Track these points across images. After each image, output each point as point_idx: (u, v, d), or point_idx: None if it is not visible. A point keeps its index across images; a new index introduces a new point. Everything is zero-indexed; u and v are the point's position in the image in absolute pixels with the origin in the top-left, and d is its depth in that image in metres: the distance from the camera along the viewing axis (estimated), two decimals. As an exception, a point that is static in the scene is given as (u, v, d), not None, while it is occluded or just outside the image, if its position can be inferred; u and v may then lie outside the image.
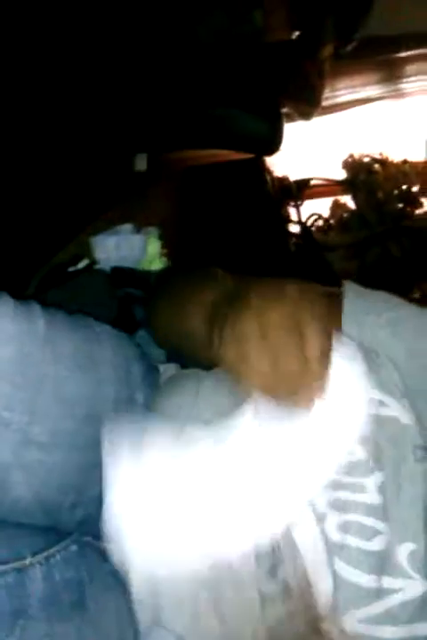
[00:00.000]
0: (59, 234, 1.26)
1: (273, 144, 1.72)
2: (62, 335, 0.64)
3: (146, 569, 0.62)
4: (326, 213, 1.94)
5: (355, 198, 1.91)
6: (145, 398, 0.71)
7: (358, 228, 1.85)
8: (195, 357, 0.72)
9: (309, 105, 1.93)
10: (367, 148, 1.97)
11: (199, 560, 0.53)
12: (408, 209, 1.83)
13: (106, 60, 1.40)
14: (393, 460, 0.56)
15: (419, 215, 1.86)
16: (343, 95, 2.07)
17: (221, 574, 0.56)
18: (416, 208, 1.85)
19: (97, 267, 1.13)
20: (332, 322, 0.66)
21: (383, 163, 1.91)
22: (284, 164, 1.95)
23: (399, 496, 0.55)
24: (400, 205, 1.84)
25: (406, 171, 1.86)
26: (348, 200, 1.96)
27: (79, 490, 0.63)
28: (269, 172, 1.81)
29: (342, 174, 1.98)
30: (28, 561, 0.59)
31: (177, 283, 0.79)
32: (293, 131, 1.86)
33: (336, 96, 2.05)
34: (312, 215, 1.87)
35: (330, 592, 0.55)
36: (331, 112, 2.06)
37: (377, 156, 1.93)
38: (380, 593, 0.55)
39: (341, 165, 1.97)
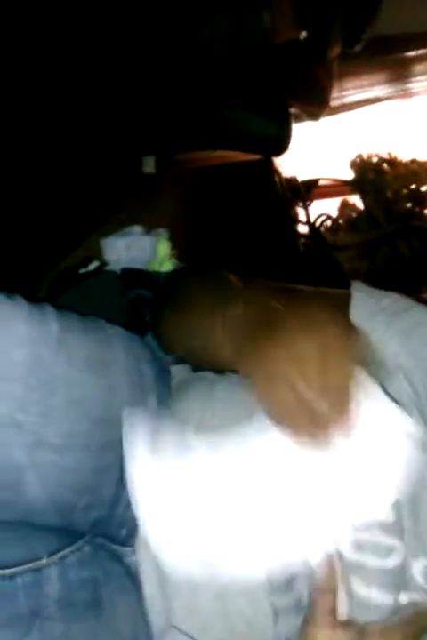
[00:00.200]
0: (69, 236, 1.27)
1: (281, 145, 1.72)
2: (75, 337, 0.64)
3: (159, 572, 0.62)
4: (334, 213, 1.94)
5: (363, 198, 1.91)
6: (157, 400, 0.71)
7: (366, 228, 1.84)
8: (202, 366, 0.72)
9: (317, 105, 1.93)
10: (376, 148, 1.97)
11: (213, 572, 0.53)
12: (417, 208, 1.82)
13: (114, 64, 1.41)
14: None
15: (428, 214, 1.85)
16: (351, 95, 2.07)
17: (233, 586, 0.56)
18: (425, 207, 1.84)
19: (107, 268, 1.14)
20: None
21: (392, 162, 1.90)
22: (292, 164, 1.95)
23: (414, 512, 0.55)
24: (409, 205, 1.83)
25: (415, 170, 1.85)
26: (356, 200, 1.96)
27: (93, 491, 0.63)
28: (278, 173, 1.81)
29: (350, 174, 1.97)
30: (44, 561, 0.59)
31: (186, 291, 0.75)
32: (301, 131, 1.86)
33: (344, 96, 2.05)
34: (321, 215, 1.87)
35: (345, 609, 0.55)
36: (339, 112, 2.06)
37: (386, 156, 1.93)
38: (396, 609, 0.54)
39: (349, 165, 1.97)
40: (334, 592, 0.55)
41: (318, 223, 1.85)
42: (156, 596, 0.62)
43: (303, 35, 1.85)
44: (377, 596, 0.55)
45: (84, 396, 0.63)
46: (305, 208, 1.87)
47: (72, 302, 0.95)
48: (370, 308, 0.65)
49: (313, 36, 1.84)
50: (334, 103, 1.95)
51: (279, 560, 0.52)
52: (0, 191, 1.14)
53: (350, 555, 0.56)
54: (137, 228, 1.26)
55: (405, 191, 1.83)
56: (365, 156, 1.94)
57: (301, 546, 0.52)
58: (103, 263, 1.15)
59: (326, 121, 1.96)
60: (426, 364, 0.61)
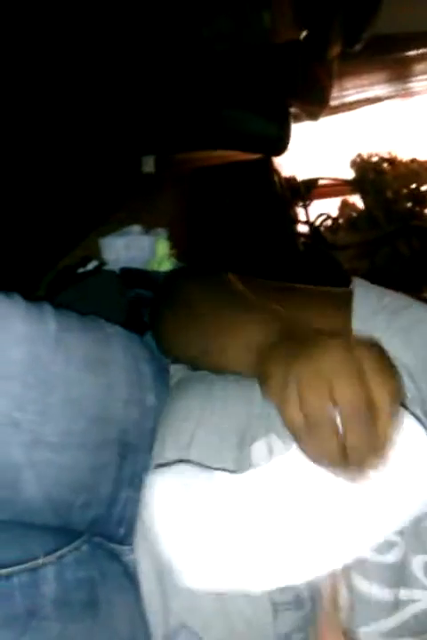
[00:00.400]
0: (68, 236, 1.27)
1: (281, 144, 1.72)
2: (73, 336, 0.64)
3: (157, 572, 0.62)
4: (334, 213, 1.94)
5: (364, 198, 1.91)
6: (156, 400, 0.71)
7: (367, 227, 1.84)
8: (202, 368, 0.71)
9: (317, 105, 1.93)
10: (376, 148, 1.97)
11: (215, 581, 0.53)
12: (417, 208, 1.83)
13: (115, 63, 1.41)
14: None
15: (428, 214, 1.85)
16: (351, 94, 2.07)
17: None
18: (425, 207, 1.84)
19: (106, 268, 1.13)
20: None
21: (392, 162, 1.90)
22: (292, 164, 1.95)
23: None
24: (409, 204, 1.83)
25: (415, 169, 1.85)
26: (357, 200, 1.96)
27: (90, 490, 0.63)
28: (278, 173, 1.81)
29: (350, 174, 1.98)
30: (40, 561, 0.59)
31: (187, 294, 0.72)
32: (301, 131, 1.86)
33: (344, 95, 2.05)
34: (321, 215, 1.87)
35: (346, 606, 0.55)
36: (339, 112, 2.06)
37: (386, 156, 1.93)
38: (397, 605, 0.54)
39: (349, 165, 1.97)
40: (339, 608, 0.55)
41: (317, 223, 1.86)
42: (154, 595, 0.62)
43: (303, 34, 1.85)
44: (378, 592, 0.55)
45: (82, 395, 0.62)
46: (305, 208, 1.88)
47: (71, 301, 0.95)
48: (371, 307, 0.65)
49: (313, 35, 1.84)
50: (333, 103, 1.96)
51: (293, 577, 0.52)
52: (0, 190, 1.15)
53: None
54: (136, 228, 1.26)
55: (405, 191, 1.83)
56: (365, 156, 1.95)
57: (316, 564, 0.51)
58: (102, 263, 1.15)
59: (325, 120, 1.96)
60: (426, 363, 0.62)
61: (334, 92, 1.93)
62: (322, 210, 1.91)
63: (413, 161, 1.91)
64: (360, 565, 0.55)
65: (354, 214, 1.91)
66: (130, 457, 0.66)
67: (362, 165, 1.92)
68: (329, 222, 1.88)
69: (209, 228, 1.56)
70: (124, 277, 1.08)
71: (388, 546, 0.55)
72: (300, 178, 1.94)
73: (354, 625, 0.55)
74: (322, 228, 1.86)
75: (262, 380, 0.53)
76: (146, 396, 0.70)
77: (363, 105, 2.08)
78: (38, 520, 0.61)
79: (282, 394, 0.48)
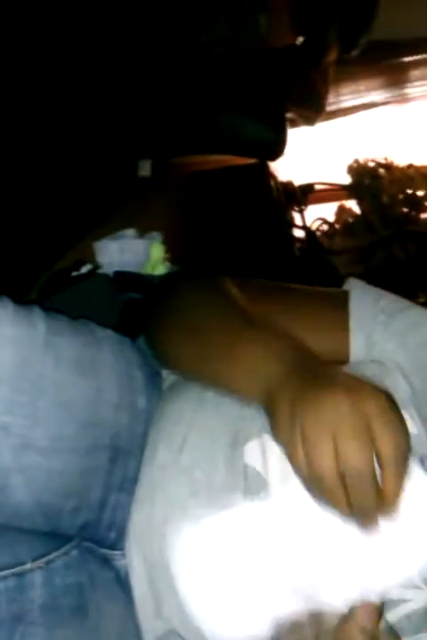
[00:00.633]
0: (62, 238, 1.27)
1: (277, 149, 1.72)
2: (63, 339, 0.64)
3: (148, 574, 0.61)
4: (331, 218, 1.94)
5: (360, 203, 1.91)
6: (147, 404, 0.71)
7: (363, 232, 1.85)
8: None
9: (313, 110, 1.93)
10: (372, 153, 1.97)
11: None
12: (413, 213, 1.83)
13: (110, 66, 1.41)
14: None
15: (424, 219, 1.85)
16: (348, 100, 2.07)
17: None
18: (421, 212, 1.85)
19: (100, 271, 1.13)
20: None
21: (388, 167, 1.91)
22: (288, 169, 1.95)
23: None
24: (405, 210, 1.84)
25: (411, 175, 1.86)
26: (353, 205, 1.97)
27: (80, 495, 0.62)
28: (274, 178, 1.82)
29: (346, 179, 1.98)
30: (28, 566, 0.58)
31: (185, 303, 0.71)
32: (297, 136, 1.86)
33: (341, 101, 2.06)
34: (317, 220, 1.88)
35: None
36: (335, 117, 2.07)
37: (382, 161, 1.94)
38: (390, 605, 0.54)
39: (345, 170, 1.97)
40: None
41: (314, 228, 1.86)
42: (146, 599, 0.61)
43: (300, 40, 1.85)
44: None
45: (72, 399, 0.62)
46: (301, 212, 1.88)
47: (64, 305, 0.95)
48: (369, 309, 0.66)
49: (309, 40, 1.84)
50: (330, 108, 1.96)
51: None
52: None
53: None
54: (130, 231, 1.26)
55: (401, 196, 1.84)
56: (361, 161, 1.95)
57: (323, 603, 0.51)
58: (96, 266, 1.15)
59: (322, 126, 1.96)
60: (422, 365, 0.62)
61: (331, 98, 1.94)
62: (318, 215, 1.91)
63: (409, 166, 1.91)
64: None
65: (350, 219, 1.91)
66: (120, 461, 0.66)
67: (358, 170, 1.93)
68: (325, 227, 1.88)
69: (204, 233, 1.56)
70: (117, 281, 1.08)
71: None
72: (296, 183, 1.94)
73: None
74: (318, 233, 1.87)
75: (269, 414, 0.53)
76: (137, 399, 0.69)
77: (359, 110, 2.08)
78: (27, 525, 0.61)
79: (289, 436, 0.49)
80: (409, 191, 1.85)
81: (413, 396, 0.61)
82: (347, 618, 0.48)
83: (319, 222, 1.87)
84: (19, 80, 1.22)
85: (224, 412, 0.63)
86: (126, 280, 1.07)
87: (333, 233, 1.88)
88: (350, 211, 1.95)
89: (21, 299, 0.63)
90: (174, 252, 1.30)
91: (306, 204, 1.89)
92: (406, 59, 2.01)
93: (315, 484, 0.47)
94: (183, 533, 0.54)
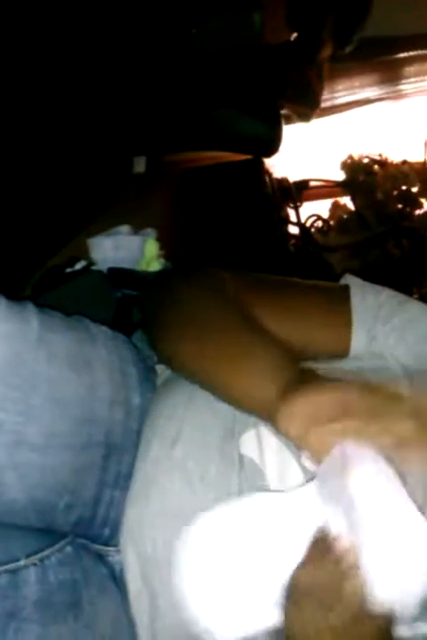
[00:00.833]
0: (57, 235, 1.26)
1: (272, 145, 1.72)
2: (57, 336, 0.64)
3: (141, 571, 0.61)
4: (325, 215, 1.94)
5: (354, 199, 1.91)
6: (141, 400, 0.71)
7: (357, 229, 1.85)
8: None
9: (308, 106, 1.93)
10: (367, 149, 1.97)
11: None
12: (408, 209, 1.83)
13: (105, 63, 1.40)
14: None
15: (418, 216, 1.86)
16: (342, 96, 2.07)
17: None
18: (416, 209, 1.85)
19: (94, 268, 1.13)
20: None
21: (383, 164, 1.91)
22: (283, 165, 1.95)
23: None
24: (400, 206, 1.84)
25: (406, 171, 1.86)
26: (347, 201, 1.97)
27: (74, 491, 0.62)
28: (269, 174, 1.81)
29: (341, 175, 1.98)
30: (22, 562, 0.58)
31: (187, 299, 0.70)
32: (292, 132, 1.86)
33: (335, 97, 2.05)
34: (312, 216, 1.87)
35: None
36: (330, 113, 2.07)
37: (376, 157, 1.94)
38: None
39: (340, 166, 1.97)
40: None
41: (308, 224, 1.86)
42: (142, 594, 0.62)
43: (294, 36, 1.85)
44: None
45: (66, 395, 0.62)
46: (296, 209, 1.88)
47: (58, 301, 0.94)
48: (369, 304, 0.67)
49: (304, 37, 1.84)
50: (324, 104, 1.95)
51: None
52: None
53: None
54: (124, 228, 1.25)
55: (395, 192, 1.84)
56: (355, 158, 1.95)
57: None
58: (90, 262, 1.14)
59: (316, 122, 1.96)
60: (421, 359, 0.64)
61: (325, 94, 1.93)
62: (313, 211, 1.91)
63: (403, 163, 1.91)
64: None
65: (345, 216, 1.91)
66: (114, 457, 0.66)
67: (353, 167, 1.93)
68: (320, 224, 1.88)
69: (199, 229, 1.55)
70: (111, 277, 1.07)
71: None
72: (291, 179, 1.94)
73: None
74: (313, 230, 1.87)
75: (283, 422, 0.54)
76: (131, 396, 0.69)
77: (354, 107, 2.08)
78: (21, 521, 0.61)
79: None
80: (404, 188, 1.85)
81: (407, 381, 0.62)
82: None
83: (314, 219, 1.87)
84: (12, 78, 1.22)
85: (217, 405, 0.64)
86: (120, 277, 1.07)
87: (327, 229, 1.88)
88: (344, 207, 1.96)
89: (15, 295, 0.63)
90: (169, 248, 1.30)
91: (301, 201, 1.89)
92: (401, 55, 2.01)
93: None
94: (178, 527, 0.54)
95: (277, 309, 0.69)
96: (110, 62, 1.42)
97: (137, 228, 1.30)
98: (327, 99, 2.00)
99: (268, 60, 1.73)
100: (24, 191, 1.23)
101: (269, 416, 0.55)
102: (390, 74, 2.07)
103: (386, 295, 0.69)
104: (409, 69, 2.04)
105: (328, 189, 1.99)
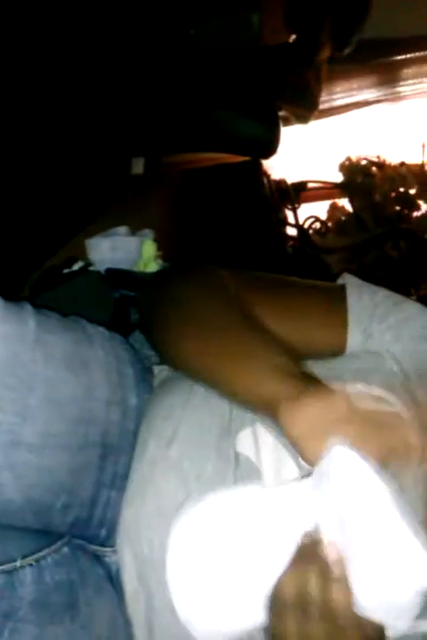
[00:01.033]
0: (55, 236, 1.26)
1: (270, 147, 1.72)
2: (54, 336, 0.64)
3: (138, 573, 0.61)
4: (323, 216, 1.94)
5: (352, 201, 1.92)
6: (138, 401, 0.71)
7: (355, 230, 1.85)
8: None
9: (306, 108, 1.93)
10: (365, 151, 1.98)
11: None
12: (405, 211, 1.84)
13: (104, 64, 1.40)
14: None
15: (416, 218, 1.86)
16: (341, 98, 2.07)
17: None
18: (413, 211, 1.86)
19: (92, 268, 1.13)
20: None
21: (381, 165, 1.92)
22: (281, 167, 1.96)
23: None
24: (397, 208, 1.84)
25: (404, 173, 1.86)
26: (345, 203, 1.97)
27: (70, 492, 0.62)
28: (267, 175, 1.82)
29: (339, 177, 1.99)
30: (18, 563, 0.58)
31: (186, 297, 0.70)
32: (290, 134, 1.86)
33: (333, 99, 2.06)
34: (310, 218, 1.88)
35: None
36: (328, 115, 2.07)
37: (374, 159, 1.94)
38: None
39: (338, 168, 1.98)
40: None
41: (306, 226, 1.86)
42: (138, 594, 0.62)
43: (293, 37, 1.85)
44: None
45: (62, 396, 0.62)
46: (294, 211, 1.88)
47: (56, 302, 0.94)
48: (365, 303, 0.68)
49: (302, 39, 1.84)
50: (323, 106, 1.96)
51: None
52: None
53: None
54: (122, 229, 1.25)
55: (393, 194, 1.84)
56: (353, 159, 1.96)
57: None
58: (88, 263, 1.14)
59: (315, 124, 1.96)
60: (416, 356, 0.65)
61: (324, 96, 1.93)
62: (311, 213, 1.91)
63: (401, 164, 1.92)
64: None
65: (343, 217, 1.91)
66: (111, 458, 0.66)
67: (351, 169, 1.93)
68: (318, 225, 1.88)
69: (197, 231, 1.55)
70: (109, 278, 1.07)
71: None
72: (289, 181, 1.95)
73: None
74: (311, 231, 1.87)
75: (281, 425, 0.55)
76: (128, 396, 0.69)
77: (352, 109, 2.08)
78: (17, 522, 0.61)
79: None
80: (401, 190, 1.85)
81: (404, 378, 0.63)
82: None
83: (312, 220, 1.87)
84: (11, 79, 1.22)
85: (214, 404, 0.64)
86: (118, 277, 1.07)
87: (325, 231, 1.88)
88: (342, 209, 1.96)
89: (13, 296, 0.63)
90: (167, 249, 1.30)
91: (299, 202, 1.90)
92: (399, 57, 2.01)
93: None
94: (174, 523, 0.54)
95: (274, 307, 0.69)
96: (109, 63, 1.42)
97: (135, 229, 1.30)
98: (326, 100, 2.00)
99: (266, 62, 1.73)
100: (22, 191, 1.23)
101: (272, 413, 0.55)
102: (389, 76, 2.07)
103: (382, 295, 0.69)
104: (407, 71, 2.05)
105: (326, 191, 2.00)
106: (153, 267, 1.19)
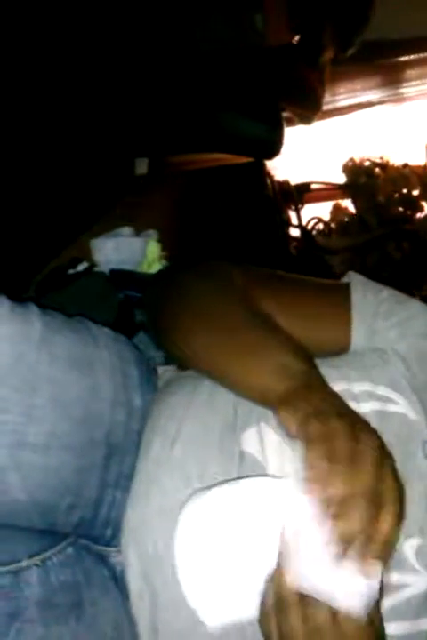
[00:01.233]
0: (59, 236, 1.26)
1: (274, 148, 1.73)
2: (59, 337, 0.64)
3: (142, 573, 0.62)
4: (326, 217, 1.94)
5: (355, 202, 1.92)
6: (142, 401, 0.71)
7: (358, 231, 1.85)
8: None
9: (309, 109, 1.93)
10: (368, 152, 1.98)
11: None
12: (409, 212, 1.83)
13: (108, 65, 1.41)
14: (400, 455, 0.54)
15: (419, 219, 1.86)
16: (344, 99, 2.07)
17: None
18: (416, 212, 1.86)
19: (96, 269, 1.13)
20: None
21: (384, 166, 1.92)
22: (284, 168, 1.96)
23: (406, 492, 0.55)
24: (401, 209, 1.84)
25: (407, 174, 1.86)
26: (348, 204, 1.97)
27: (76, 492, 0.63)
28: (270, 176, 1.82)
29: (342, 178, 1.98)
30: (24, 563, 0.58)
31: (192, 291, 0.70)
32: (293, 135, 1.86)
33: (337, 100, 2.06)
34: (313, 219, 1.88)
35: None
36: (331, 116, 2.07)
37: (378, 160, 1.94)
38: (388, 589, 0.54)
39: (341, 169, 1.98)
40: None
41: (309, 227, 1.86)
42: (142, 594, 0.62)
43: (296, 38, 1.85)
44: None
45: (68, 396, 0.62)
46: (297, 211, 1.88)
47: (60, 303, 0.95)
48: (370, 301, 0.68)
49: (306, 40, 1.84)
50: (326, 107, 1.96)
51: None
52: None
53: None
54: (126, 230, 1.26)
55: (396, 195, 1.84)
56: (357, 160, 1.96)
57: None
58: (92, 264, 1.15)
59: (318, 125, 1.96)
60: (421, 355, 0.65)
61: (327, 97, 1.93)
62: (314, 214, 1.91)
63: (404, 165, 1.92)
64: None
65: (346, 218, 1.91)
66: (116, 458, 0.66)
67: (354, 170, 1.93)
68: (321, 226, 1.88)
69: (201, 231, 1.56)
70: (113, 279, 1.08)
71: None
72: (292, 182, 1.95)
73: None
74: (314, 232, 1.87)
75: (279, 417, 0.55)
76: (132, 397, 0.69)
77: (355, 110, 2.08)
78: (23, 522, 0.61)
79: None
80: (404, 191, 1.85)
81: (410, 377, 0.63)
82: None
83: (315, 221, 1.87)
84: (15, 78, 1.22)
85: (217, 404, 0.64)
86: (122, 278, 1.08)
87: (328, 232, 1.88)
88: (345, 210, 1.96)
89: (18, 296, 0.63)
90: (171, 250, 1.30)
91: (302, 203, 1.90)
92: (402, 58, 2.01)
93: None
94: (178, 518, 0.54)
95: (279, 303, 0.69)
96: (112, 64, 1.42)
97: (139, 230, 1.31)
98: (329, 101, 2.00)
99: (270, 63, 1.73)
100: (27, 193, 1.23)
101: (273, 412, 0.56)
102: (392, 77, 2.07)
103: (387, 293, 0.69)
104: (411, 72, 2.05)
105: (329, 192, 2.00)
106: (157, 267, 1.19)
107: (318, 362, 0.62)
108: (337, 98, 2.06)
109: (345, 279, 0.74)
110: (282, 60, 1.78)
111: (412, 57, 2.01)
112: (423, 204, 1.88)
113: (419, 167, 1.94)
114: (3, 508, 0.59)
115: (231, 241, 1.53)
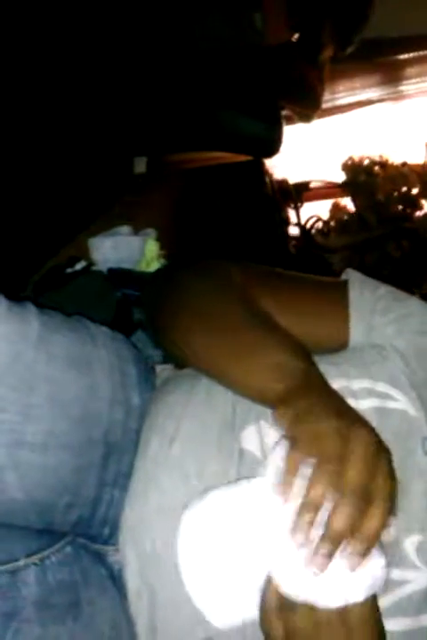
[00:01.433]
0: (58, 235, 1.26)
1: (273, 146, 1.72)
2: (57, 336, 0.64)
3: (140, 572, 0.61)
4: (325, 216, 1.94)
5: (355, 200, 1.91)
6: (141, 400, 0.71)
7: (357, 230, 1.85)
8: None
9: (308, 107, 1.93)
10: (367, 151, 1.98)
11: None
12: (408, 211, 1.83)
13: (106, 63, 1.40)
14: (399, 452, 0.54)
15: (419, 217, 1.86)
16: (343, 97, 2.07)
17: None
18: (416, 210, 1.85)
19: (94, 268, 1.13)
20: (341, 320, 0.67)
21: (383, 165, 1.91)
22: (284, 166, 1.96)
23: (406, 488, 0.55)
24: (400, 207, 1.84)
25: (406, 173, 1.86)
26: (348, 202, 1.97)
27: (74, 491, 0.62)
28: (269, 175, 1.82)
29: (341, 176, 1.98)
30: (21, 563, 0.58)
31: (191, 289, 0.69)
32: (292, 133, 1.86)
33: (336, 98, 2.06)
34: (312, 217, 1.88)
35: None
36: (331, 114, 2.07)
37: (377, 159, 1.94)
38: (389, 585, 0.54)
39: (340, 168, 1.98)
40: None
41: (309, 225, 1.86)
42: (141, 592, 0.62)
43: (296, 36, 1.85)
44: None
45: (65, 395, 0.62)
46: (296, 210, 1.88)
47: (58, 302, 0.95)
48: (368, 297, 0.68)
49: (305, 38, 1.84)
50: (325, 105, 1.95)
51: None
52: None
53: None
54: (124, 228, 1.25)
55: (396, 194, 1.84)
56: (356, 159, 1.95)
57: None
58: (90, 263, 1.15)
59: (317, 123, 1.96)
60: (419, 351, 0.65)
61: (326, 95, 1.93)
62: (313, 212, 1.91)
63: (404, 164, 1.92)
64: None
65: (345, 217, 1.91)
66: (114, 457, 0.66)
67: (353, 168, 1.93)
68: (320, 225, 1.88)
69: (199, 230, 1.55)
70: (111, 278, 1.08)
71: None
72: (291, 180, 1.95)
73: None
74: (313, 231, 1.87)
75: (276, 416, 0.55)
76: (130, 396, 0.69)
77: (355, 108, 2.08)
78: (21, 521, 0.61)
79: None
80: (404, 189, 1.85)
81: (410, 373, 0.63)
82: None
83: (314, 220, 1.87)
84: (13, 78, 1.22)
85: (216, 402, 0.64)
86: (121, 277, 1.07)
87: (327, 230, 1.88)
88: (344, 208, 1.96)
89: (16, 295, 0.63)
90: (169, 249, 1.30)
91: (301, 202, 1.90)
92: (402, 56, 2.01)
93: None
94: (177, 525, 0.54)
95: (277, 301, 0.69)
96: (111, 63, 1.42)
97: (137, 229, 1.31)
98: (328, 99, 2.00)
99: (269, 61, 1.73)
100: (25, 191, 1.23)
101: (272, 410, 0.56)
102: (391, 75, 2.07)
103: (384, 290, 0.70)
104: (410, 70, 2.04)
105: (329, 190, 2.00)
106: (155, 266, 1.19)
107: (316, 359, 0.62)
108: (336, 96, 2.06)
109: (343, 276, 0.74)
110: (281, 59, 1.77)
111: (411, 55, 2.01)
112: (423, 202, 1.88)
113: (418, 165, 1.94)
114: (0, 507, 0.59)
115: (230, 239, 1.53)
